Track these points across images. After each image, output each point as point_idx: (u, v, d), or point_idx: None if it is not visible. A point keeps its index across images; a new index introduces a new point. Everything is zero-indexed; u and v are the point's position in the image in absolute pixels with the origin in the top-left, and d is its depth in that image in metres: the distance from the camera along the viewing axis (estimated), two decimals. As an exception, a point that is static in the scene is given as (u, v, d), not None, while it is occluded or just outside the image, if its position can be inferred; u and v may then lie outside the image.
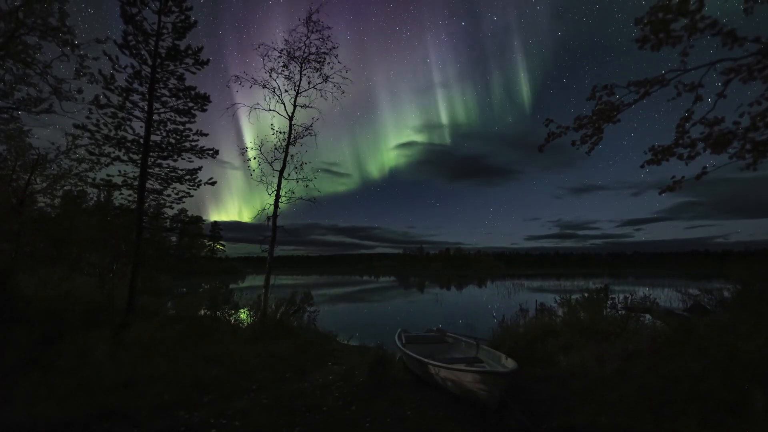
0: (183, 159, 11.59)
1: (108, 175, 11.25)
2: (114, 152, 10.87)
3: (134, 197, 10.89)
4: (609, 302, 8.75)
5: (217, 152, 11.93)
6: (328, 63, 11.55)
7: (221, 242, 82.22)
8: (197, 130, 11.57)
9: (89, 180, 11.84)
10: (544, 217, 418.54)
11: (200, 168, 11.81)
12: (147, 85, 10.55)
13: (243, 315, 11.31)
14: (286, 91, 11.70)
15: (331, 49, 11.53)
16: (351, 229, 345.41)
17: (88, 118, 10.24)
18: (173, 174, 11.48)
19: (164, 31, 10.54)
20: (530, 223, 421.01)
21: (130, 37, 10.16)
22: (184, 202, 12.19)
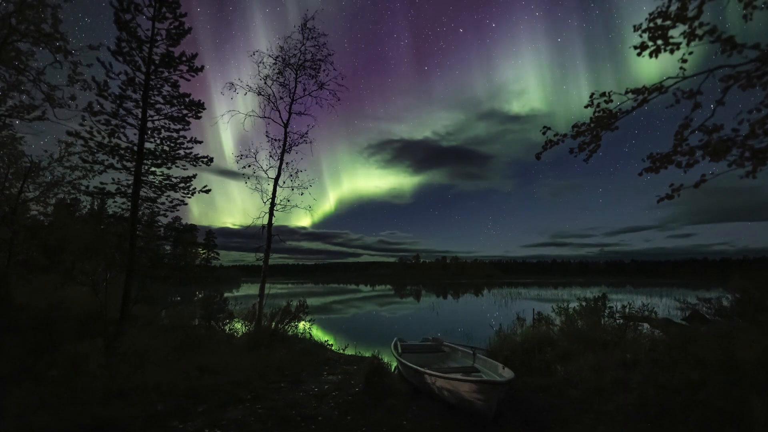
0: (177, 167, 11.51)
1: (101, 183, 11.12)
2: (107, 160, 10.78)
3: (128, 205, 10.76)
4: (607, 311, 8.71)
5: (211, 160, 11.88)
6: (324, 70, 11.62)
7: (216, 250, 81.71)
8: (191, 138, 11.52)
9: (82, 188, 11.74)
10: (535, 220, 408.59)
11: (194, 176, 11.73)
12: (141, 92, 10.50)
13: (238, 324, 11.19)
14: (281, 98, 11.73)
15: (326, 56, 11.59)
16: (325, 235, 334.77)
17: (81, 125, 10.13)
18: (167, 182, 11.39)
19: (158, 37, 10.52)
20: (523, 227, 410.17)
21: (123, 44, 10.12)
22: (178, 210, 12.09)
